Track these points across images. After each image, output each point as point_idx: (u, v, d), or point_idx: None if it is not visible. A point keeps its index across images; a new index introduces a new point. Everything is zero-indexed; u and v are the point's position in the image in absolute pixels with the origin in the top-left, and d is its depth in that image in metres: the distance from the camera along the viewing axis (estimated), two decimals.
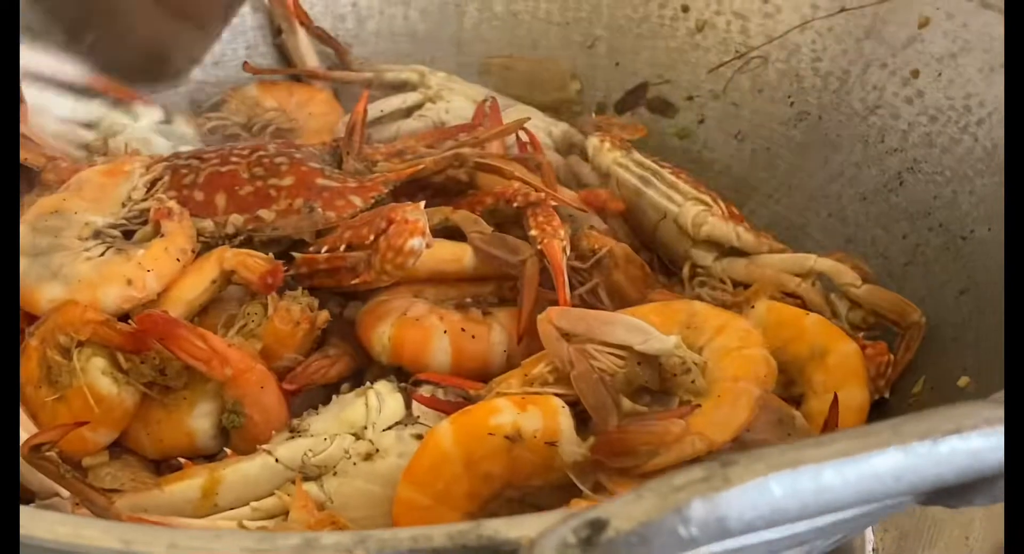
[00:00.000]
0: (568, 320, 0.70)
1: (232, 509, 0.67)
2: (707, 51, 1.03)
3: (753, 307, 0.79)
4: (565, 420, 0.64)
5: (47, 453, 0.64)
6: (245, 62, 1.04)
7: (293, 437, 0.69)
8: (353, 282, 0.76)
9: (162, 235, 0.77)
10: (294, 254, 0.77)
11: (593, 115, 1.04)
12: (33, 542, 0.45)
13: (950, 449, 0.39)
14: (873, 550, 0.83)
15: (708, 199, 0.89)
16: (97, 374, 0.71)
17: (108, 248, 0.77)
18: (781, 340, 0.75)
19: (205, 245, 0.78)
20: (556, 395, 0.66)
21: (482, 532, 0.44)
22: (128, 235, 0.79)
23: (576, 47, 1.08)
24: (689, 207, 0.88)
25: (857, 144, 0.94)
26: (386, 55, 1.08)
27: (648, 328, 0.69)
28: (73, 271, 0.75)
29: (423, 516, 0.63)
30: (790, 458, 0.38)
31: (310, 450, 0.67)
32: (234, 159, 0.82)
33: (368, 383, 0.71)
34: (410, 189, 0.85)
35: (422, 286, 0.78)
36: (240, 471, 0.67)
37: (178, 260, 0.76)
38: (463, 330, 0.75)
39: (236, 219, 0.79)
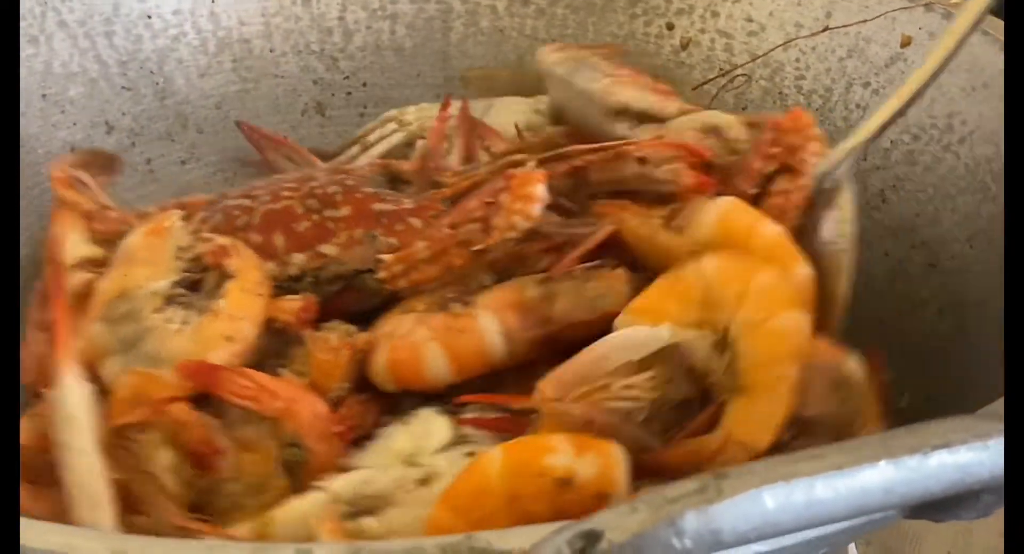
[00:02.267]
0: (561, 384, 0.65)
1: None
2: (692, 68, 1.04)
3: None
4: (621, 474, 0.60)
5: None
6: (239, 122, 1.04)
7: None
8: (476, 248, 0.72)
9: (231, 276, 0.74)
10: (381, 257, 0.75)
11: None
12: (24, 550, 0.45)
13: (939, 463, 0.40)
14: None
15: (628, 74, 0.88)
16: (163, 469, 0.66)
17: (187, 309, 0.73)
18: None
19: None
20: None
21: (474, 544, 0.44)
22: (195, 285, 0.75)
23: None
24: (606, 83, 0.87)
25: None
26: (372, 70, 1.09)
27: (639, 336, 0.65)
28: (172, 351, 0.71)
29: None
30: (784, 471, 0.38)
31: (365, 482, 0.65)
32: (286, 193, 0.79)
33: (408, 411, 0.69)
34: None
35: (418, 298, 0.75)
36: (293, 510, 0.64)
37: (260, 295, 0.73)
38: (449, 328, 0.71)
39: (298, 258, 0.76)
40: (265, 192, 0.81)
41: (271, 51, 1.07)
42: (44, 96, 0.98)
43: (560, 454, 0.60)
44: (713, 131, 0.81)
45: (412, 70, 1.09)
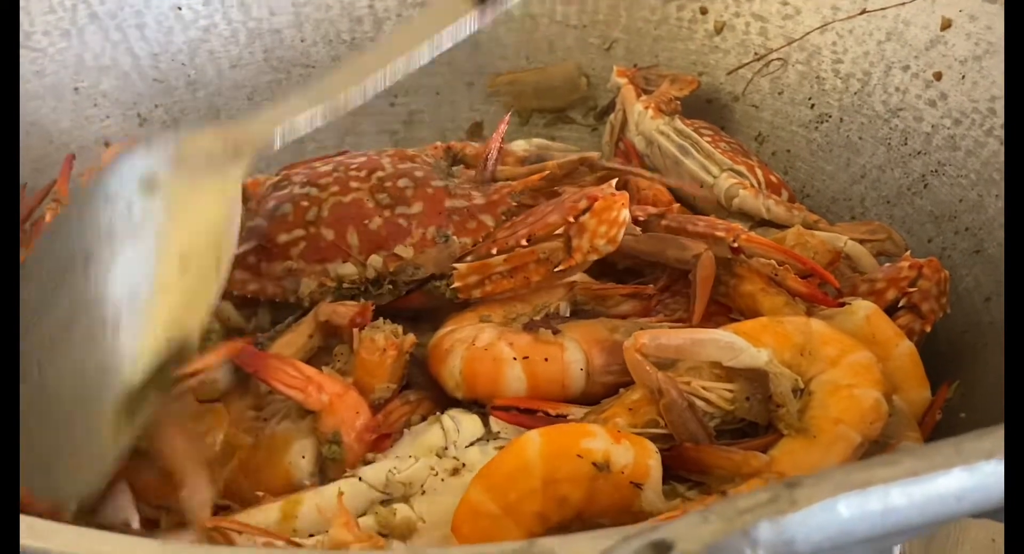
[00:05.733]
0: (657, 345, 0.67)
1: (313, 534, 0.64)
2: (726, 53, 1.03)
3: (849, 304, 0.75)
4: (656, 465, 0.62)
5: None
6: None
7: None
8: (559, 269, 0.73)
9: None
10: (455, 266, 0.74)
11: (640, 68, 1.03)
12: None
13: None
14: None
15: (744, 169, 0.91)
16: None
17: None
18: None
19: (350, 292, 0.76)
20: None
21: (536, 551, 0.44)
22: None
23: (594, 50, 1.07)
24: (723, 180, 0.91)
25: (880, 146, 0.94)
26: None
27: (741, 345, 0.66)
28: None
29: (487, 525, 0.60)
30: (858, 479, 0.38)
31: (395, 468, 0.66)
32: (354, 184, 0.79)
33: (438, 412, 0.70)
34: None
35: (490, 308, 0.75)
36: (322, 493, 0.65)
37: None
38: (535, 353, 0.71)
39: (376, 261, 0.76)
40: (332, 180, 0.80)
41: (302, 41, 1.06)
42: (76, 89, 0.98)
43: (598, 438, 0.62)
44: (835, 254, 0.82)
45: (443, 58, 1.06)
